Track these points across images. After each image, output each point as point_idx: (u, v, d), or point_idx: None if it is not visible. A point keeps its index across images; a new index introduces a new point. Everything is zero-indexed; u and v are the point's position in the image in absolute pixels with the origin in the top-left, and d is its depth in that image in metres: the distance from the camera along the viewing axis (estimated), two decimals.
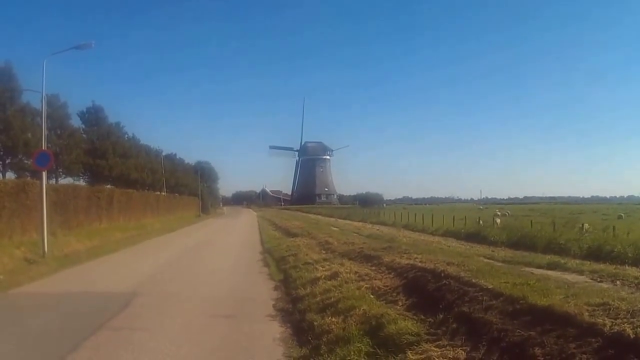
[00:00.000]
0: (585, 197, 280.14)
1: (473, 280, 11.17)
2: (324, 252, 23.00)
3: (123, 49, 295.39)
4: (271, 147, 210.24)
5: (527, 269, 16.05)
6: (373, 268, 16.46)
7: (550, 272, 15.82)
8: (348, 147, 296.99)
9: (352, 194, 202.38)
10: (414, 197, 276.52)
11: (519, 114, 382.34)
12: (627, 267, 17.49)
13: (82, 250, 27.38)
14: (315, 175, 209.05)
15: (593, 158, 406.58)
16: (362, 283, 14.12)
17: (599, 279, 14.71)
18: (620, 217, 52.97)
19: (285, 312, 13.02)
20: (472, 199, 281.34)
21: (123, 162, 64.02)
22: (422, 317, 9.91)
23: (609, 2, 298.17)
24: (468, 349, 7.80)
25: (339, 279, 14.99)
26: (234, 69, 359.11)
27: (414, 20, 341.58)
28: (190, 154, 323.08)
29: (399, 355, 8.02)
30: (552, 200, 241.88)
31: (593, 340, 6.72)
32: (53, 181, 48.87)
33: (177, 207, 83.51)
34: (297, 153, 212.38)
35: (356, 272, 15.86)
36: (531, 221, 37.69)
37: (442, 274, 12.38)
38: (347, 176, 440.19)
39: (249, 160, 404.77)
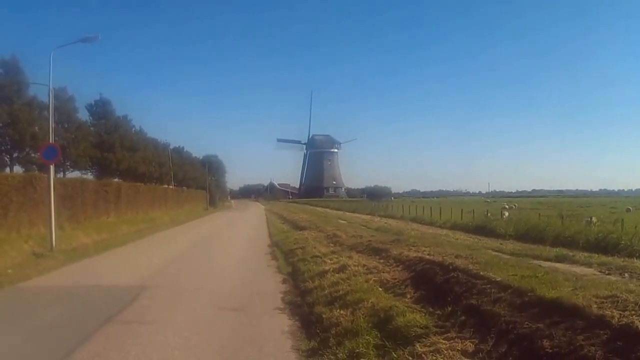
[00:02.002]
0: (594, 190, 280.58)
1: (481, 273, 11.13)
2: (332, 245, 23.01)
3: (130, 42, 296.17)
4: (279, 140, 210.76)
5: (535, 261, 15.97)
6: (381, 261, 16.43)
7: (558, 265, 15.77)
8: (356, 140, 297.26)
9: (360, 187, 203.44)
10: (422, 190, 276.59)
11: (527, 107, 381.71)
12: (635, 260, 17.38)
13: (90, 244, 27.46)
14: (323, 168, 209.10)
15: (601, 151, 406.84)
16: (370, 276, 14.11)
17: (607, 272, 14.63)
18: (628, 210, 52.80)
19: (293, 305, 13.04)
20: (480, 192, 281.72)
21: (130, 155, 64.27)
22: (431, 309, 9.90)
23: None
24: (476, 341, 7.80)
25: (347, 271, 15.00)
26: (242, 63, 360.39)
27: (423, 13, 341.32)
28: (198, 148, 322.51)
29: (408, 347, 8.03)
30: (560, 193, 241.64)
31: (601, 332, 6.70)
32: (61, 175, 49.15)
33: (185, 200, 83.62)
34: (304, 146, 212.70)
35: (364, 265, 15.86)
36: (539, 214, 37.64)
37: (450, 267, 12.36)
38: (355, 169, 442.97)
39: (257, 154, 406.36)
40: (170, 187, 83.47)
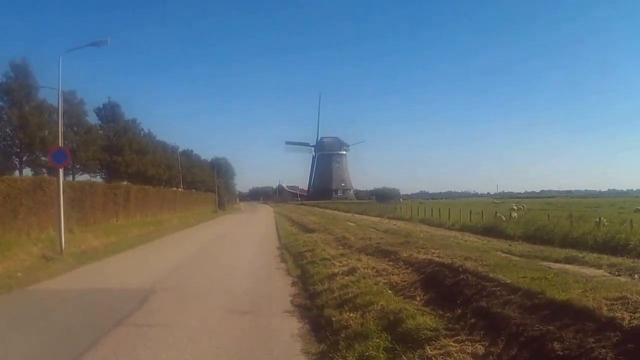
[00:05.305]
0: (602, 190, 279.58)
1: (491, 275, 11.13)
2: (341, 247, 23.01)
3: (139, 45, 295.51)
4: (287, 143, 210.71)
5: (544, 263, 15.98)
6: (390, 263, 16.43)
7: (568, 266, 15.73)
8: (364, 142, 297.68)
9: (368, 189, 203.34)
10: (431, 191, 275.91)
11: (534, 107, 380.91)
12: None
13: (99, 247, 27.55)
14: (332, 170, 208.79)
15: (610, 151, 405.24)
16: (379, 278, 14.11)
17: (616, 273, 14.60)
18: (637, 210, 52.63)
19: (303, 308, 13.06)
20: (488, 193, 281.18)
21: (139, 158, 64.46)
22: (441, 312, 9.89)
23: None
24: (487, 344, 7.79)
25: (356, 274, 15.00)
26: (250, 65, 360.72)
27: (429, 13, 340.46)
28: (206, 150, 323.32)
29: (418, 350, 8.02)
30: (569, 193, 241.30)
31: (612, 334, 6.70)
32: (70, 178, 49.25)
33: (194, 203, 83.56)
34: (313, 148, 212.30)
35: (374, 268, 15.86)
36: (548, 215, 37.56)
37: (460, 269, 12.36)
38: (363, 171, 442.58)
39: (266, 156, 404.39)
40: (179, 189, 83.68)
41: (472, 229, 35.75)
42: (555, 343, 6.89)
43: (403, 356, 8.00)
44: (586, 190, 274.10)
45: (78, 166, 53.04)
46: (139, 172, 63.91)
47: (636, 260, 17.62)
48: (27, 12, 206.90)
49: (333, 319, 10.92)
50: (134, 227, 40.13)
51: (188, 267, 21.37)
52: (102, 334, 10.46)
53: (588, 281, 10.65)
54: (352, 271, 15.63)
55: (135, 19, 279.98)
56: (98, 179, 57.89)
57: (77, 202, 31.60)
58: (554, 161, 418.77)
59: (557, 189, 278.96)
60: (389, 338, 8.82)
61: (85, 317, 12.28)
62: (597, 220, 29.26)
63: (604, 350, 6.36)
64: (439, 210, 51.59)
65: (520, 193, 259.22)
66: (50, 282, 17.52)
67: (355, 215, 62.99)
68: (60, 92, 26.74)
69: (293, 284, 16.82)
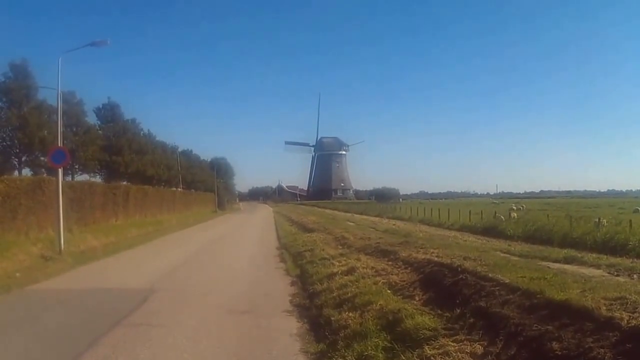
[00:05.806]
0: (602, 190, 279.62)
1: (490, 275, 11.12)
2: (340, 247, 22.99)
3: (140, 46, 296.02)
4: (287, 143, 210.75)
5: (543, 263, 15.95)
6: (390, 263, 16.41)
7: (567, 266, 15.71)
8: (364, 142, 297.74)
9: (368, 189, 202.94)
10: (430, 192, 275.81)
11: (534, 108, 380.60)
12: None
13: (98, 247, 27.51)
14: (331, 170, 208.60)
15: (610, 152, 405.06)
16: (378, 278, 14.09)
17: (615, 273, 14.56)
18: (636, 210, 52.67)
19: (302, 308, 13.06)
20: (487, 194, 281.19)
21: (139, 158, 64.33)
22: (439, 312, 9.88)
23: None
24: (485, 344, 7.78)
25: (355, 274, 14.98)
26: (250, 66, 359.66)
27: (429, 16, 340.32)
28: (206, 150, 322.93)
29: (417, 350, 8.02)
30: (568, 194, 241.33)
31: (610, 334, 6.69)
32: (69, 178, 49.22)
33: (194, 203, 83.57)
34: (312, 148, 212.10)
35: (373, 267, 15.85)
36: (547, 215, 37.57)
37: (459, 269, 12.34)
38: (363, 171, 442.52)
39: (265, 156, 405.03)
40: (179, 189, 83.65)
41: (471, 229, 35.80)
42: (554, 343, 6.89)
43: (402, 356, 8.00)
44: (585, 190, 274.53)
45: (77, 166, 52.94)
46: (138, 172, 63.84)
47: (635, 260, 17.60)
48: (30, 14, 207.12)
49: (332, 318, 10.93)
50: (133, 227, 40.07)
51: (187, 267, 21.38)
52: (101, 333, 10.46)
53: (587, 281, 10.65)
54: (351, 271, 15.62)
55: (136, 22, 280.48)
56: (97, 179, 57.83)
57: (77, 202, 31.60)
58: (554, 162, 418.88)
59: (556, 190, 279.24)
60: (388, 337, 8.82)
61: (84, 317, 12.25)
62: (597, 220, 29.25)
63: (602, 350, 6.36)
64: (439, 210, 51.60)
65: (519, 193, 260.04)
66: (50, 282, 17.51)
67: (355, 215, 62.94)
68: (59, 92, 26.68)
69: (292, 283, 16.85)
